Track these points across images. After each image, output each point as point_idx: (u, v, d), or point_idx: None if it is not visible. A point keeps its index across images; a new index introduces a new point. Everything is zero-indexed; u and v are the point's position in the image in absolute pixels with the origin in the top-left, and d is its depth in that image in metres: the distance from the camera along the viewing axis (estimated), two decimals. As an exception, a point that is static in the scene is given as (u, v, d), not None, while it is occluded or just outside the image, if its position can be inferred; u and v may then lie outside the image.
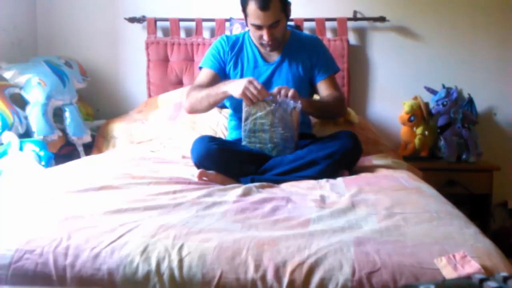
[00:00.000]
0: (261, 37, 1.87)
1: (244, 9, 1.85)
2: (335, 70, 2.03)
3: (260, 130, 1.72)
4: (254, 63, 1.97)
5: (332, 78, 2.00)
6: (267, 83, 1.94)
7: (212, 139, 1.77)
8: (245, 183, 1.61)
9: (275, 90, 1.71)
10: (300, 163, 1.69)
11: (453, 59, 2.79)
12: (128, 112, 2.74)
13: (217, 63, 1.97)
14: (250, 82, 1.67)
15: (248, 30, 1.98)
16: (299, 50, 1.98)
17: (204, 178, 1.63)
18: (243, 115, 1.73)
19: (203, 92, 1.84)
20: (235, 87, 1.71)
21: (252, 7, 1.79)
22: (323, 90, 1.98)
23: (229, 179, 1.65)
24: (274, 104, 1.68)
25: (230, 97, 1.79)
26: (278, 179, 1.65)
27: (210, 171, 1.65)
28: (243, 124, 1.74)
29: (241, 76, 1.96)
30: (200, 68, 2.02)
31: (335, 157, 1.70)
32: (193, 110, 1.92)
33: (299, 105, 1.68)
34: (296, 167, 1.69)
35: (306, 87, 2.00)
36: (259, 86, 1.67)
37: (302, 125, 1.83)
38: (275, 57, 1.98)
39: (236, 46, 1.99)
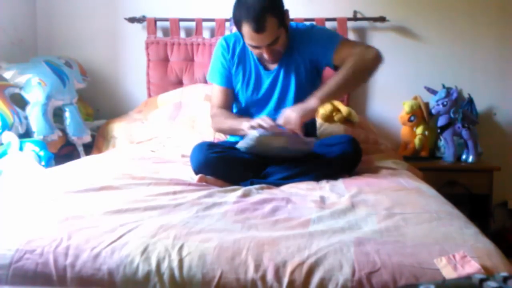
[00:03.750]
0: (260, 54, 1.80)
1: (239, 29, 1.73)
2: (337, 41, 1.82)
3: (266, 151, 1.70)
4: (255, 71, 1.91)
5: (339, 48, 1.80)
6: (270, 91, 1.90)
7: (211, 146, 1.74)
8: (245, 187, 1.60)
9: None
10: (300, 170, 1.68)
11: (453, 59, 2.79)
12: (128, 112, 2.74)
13: (225, 78, 1.93)
14: (262, 120, 1.67)
15: None
16: (298, 48, 1.88)
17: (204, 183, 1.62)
18: (249, 135, 1.66)
19: (227, 123, 1.90)
20: (247, 124, 1.71)
21: (246, 29, 1.68)
22: (340, 63, 1.78)
23: (228, 185, 1.62)
24: (283, 138, 1.65)
25: (239, 102, 1.95)
26: (277, 183, 1.63)
27: (210, 177, 1.64)
28: (248, 138, 1.66)
29: (243, 84, 1.92)
30: (209, 80, 2.01)
31: (335, 163, 1.70)
32: (219, 132, 2.14)
33: (312, 139, 1.71)
34: (296, 173, 1.68)
35: (314, 82, 1.89)
36: (269, 124, 1.64)
37: (307, 126, 1.81)
38: (274, 64, 1.89)
39: (237, 50, 1.91)
